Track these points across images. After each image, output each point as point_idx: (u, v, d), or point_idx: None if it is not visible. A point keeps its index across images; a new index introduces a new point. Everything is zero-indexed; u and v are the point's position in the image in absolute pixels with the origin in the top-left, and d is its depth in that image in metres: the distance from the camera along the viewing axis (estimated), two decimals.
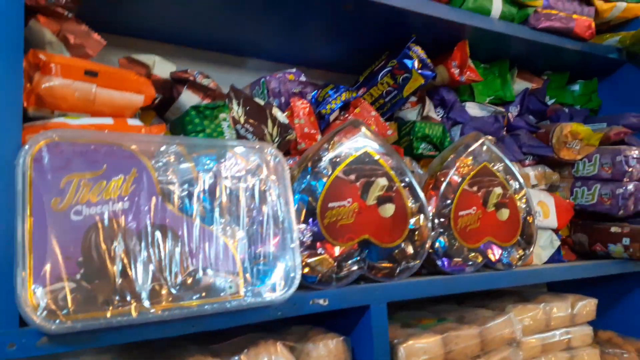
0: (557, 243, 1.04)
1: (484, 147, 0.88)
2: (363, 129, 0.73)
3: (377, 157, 0.72)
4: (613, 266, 1.06)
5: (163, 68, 0.69)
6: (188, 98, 0.69)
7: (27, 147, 0.48)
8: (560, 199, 1.08)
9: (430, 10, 0.86)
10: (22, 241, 0.46)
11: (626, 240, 1.04)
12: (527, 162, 1.09)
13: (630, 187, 1.05)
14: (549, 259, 1.02)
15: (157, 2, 0.76)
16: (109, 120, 0.58)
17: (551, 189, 1.15)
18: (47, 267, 0.47)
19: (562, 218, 1.06)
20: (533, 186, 1.08)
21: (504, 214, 0.87)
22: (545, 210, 1.05)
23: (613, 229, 1.08)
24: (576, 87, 1.24)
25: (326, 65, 1.06)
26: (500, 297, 1.03)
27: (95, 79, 0.57)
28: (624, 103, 1.22)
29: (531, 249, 0.90)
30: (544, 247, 1.02)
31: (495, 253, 0.86)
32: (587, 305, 1.00)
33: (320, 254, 0.66)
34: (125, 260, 0.50)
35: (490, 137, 0.95)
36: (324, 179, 0.68)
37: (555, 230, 1.05)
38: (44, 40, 0.58)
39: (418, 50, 0.90)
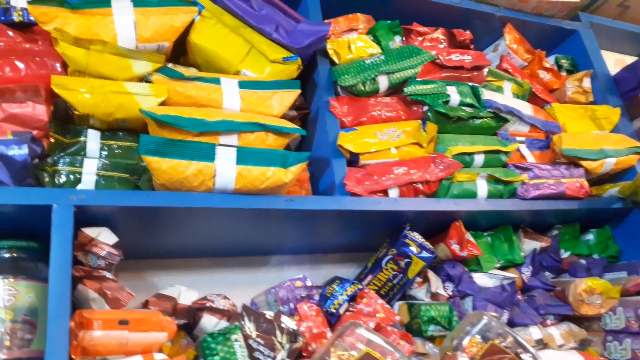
0: None
1: (490, 324, 0.92)
2: (362, 329, 0.81)
3: (377, 355, 0.79)
4: None
5: (187, 297, 0.83)
6: (207, 321, 0.81)
7: None
8: (591, 357, 1.07)
9: (416, 207, 0.99)
10: None
11: None
12: (549, 321, 1.10)
13: None
14: None
15: (191, 233, 0.93)
16: (139, 359, 0.71)
17: (583, 344, 1.14)
18: None
19: None
20: (560, 346, 1.08)
21: None
22: None
23: None
24: (590, 237, 1.28)
25: (340, 249, 1.18)
26: None
27: (127, 326, 0.71)
28: None
29: None
30: None
31: None
32: None
33: None
34: None
35: (493, 314, 0.99)
36: None
37: None
38: (89, 297, 0.73)
39: (415, 236, 1.01)
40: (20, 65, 0.80)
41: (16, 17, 0.85)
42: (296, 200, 0.89)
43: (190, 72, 0.94)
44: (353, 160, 1.02)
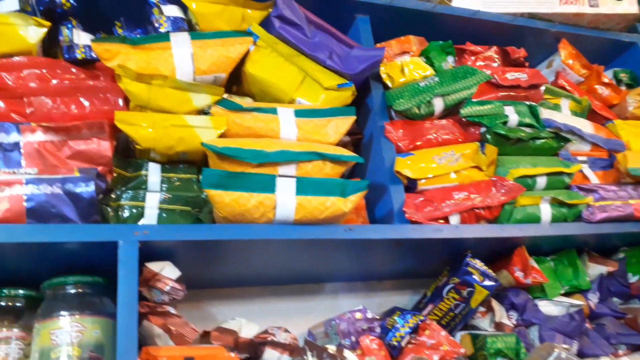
0: None
1: (561, 357, 0.88)
2: None
3: None
4: None
5: (248, 330, 0.82)
6: (270, 355, 0.80)
7: None
8: None
9: (480, 233, 0.95)
10: None
11: None
12: (621, 352, 1.04)
13: None
14: None
15: (248, 263, 0.92)
16: None
17: None
18: None
19: None
20: None
21: None
22: None
23: None
24: None
25: (395, 276, 1.15)
26: None
27: None
28: None
29: None
30: None
31: None
32: None
33: None
34: None
35: (565, 346, 0.94)
36: None
37: None
38: (154, 333, 0.73)
39: (477, 264, 0.97)
40: (85, 102, 0.81)
41: (79, 55, 0.86)
42: (355, 229, 0.87)
43: (246, 102, 0.94)
44: (410, 186, 0.99)
